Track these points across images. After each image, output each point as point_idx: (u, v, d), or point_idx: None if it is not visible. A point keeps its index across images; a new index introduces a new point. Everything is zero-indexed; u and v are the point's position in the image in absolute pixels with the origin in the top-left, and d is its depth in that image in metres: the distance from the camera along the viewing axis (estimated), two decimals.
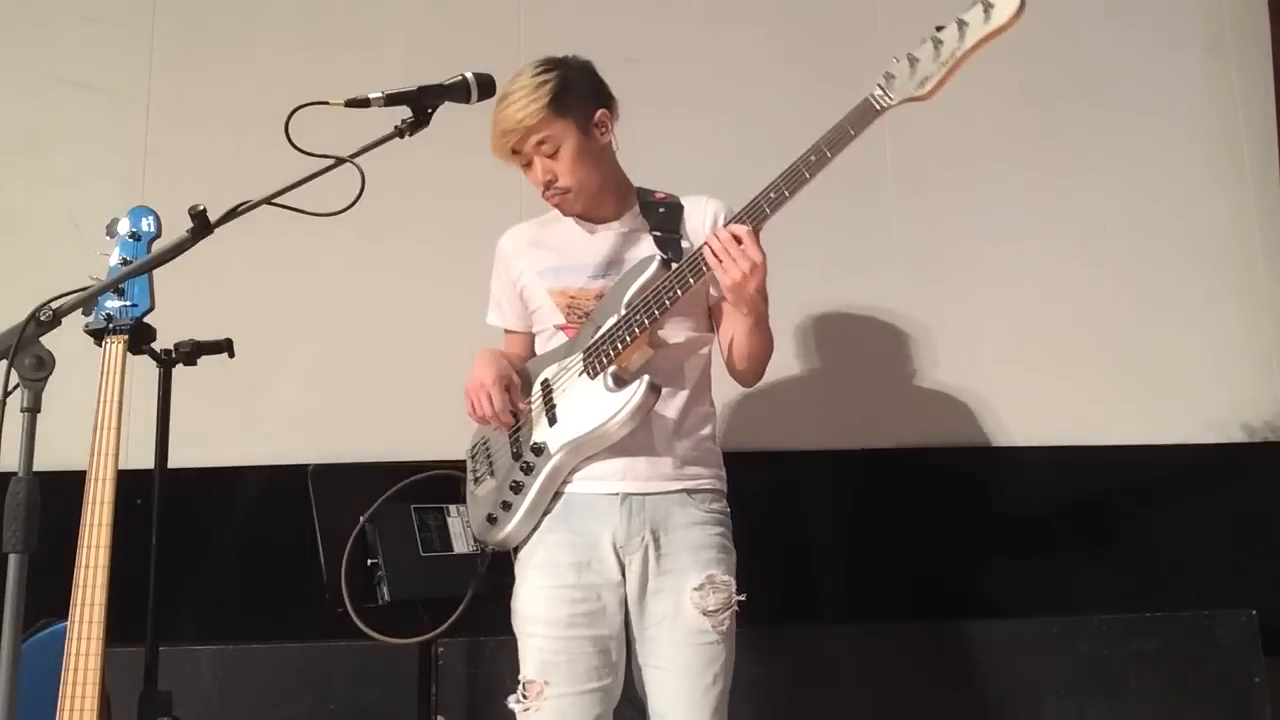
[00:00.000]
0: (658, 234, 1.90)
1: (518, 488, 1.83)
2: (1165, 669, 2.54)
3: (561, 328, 1.92)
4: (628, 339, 1.78)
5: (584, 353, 1.83)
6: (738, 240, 1.70)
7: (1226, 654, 2.56)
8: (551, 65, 1.86)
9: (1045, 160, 2.93)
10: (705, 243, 1.74)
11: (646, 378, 1.75)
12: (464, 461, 2.00)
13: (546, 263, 1.95)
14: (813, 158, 1.70)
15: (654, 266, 1.82)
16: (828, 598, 2.64)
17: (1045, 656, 2.54)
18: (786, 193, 1.71)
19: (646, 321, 1.77)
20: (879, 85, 1.71)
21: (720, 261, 1.70)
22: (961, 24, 1.67)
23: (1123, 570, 2.73)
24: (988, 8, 1.65)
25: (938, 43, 1.69)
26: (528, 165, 1.89)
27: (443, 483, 2.14)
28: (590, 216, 1.95)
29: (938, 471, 2.74)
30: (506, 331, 2.06)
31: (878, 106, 1.70)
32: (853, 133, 1.70)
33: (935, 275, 2.87)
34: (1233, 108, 3.04)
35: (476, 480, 1.95)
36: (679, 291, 1.76)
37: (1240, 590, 2.67)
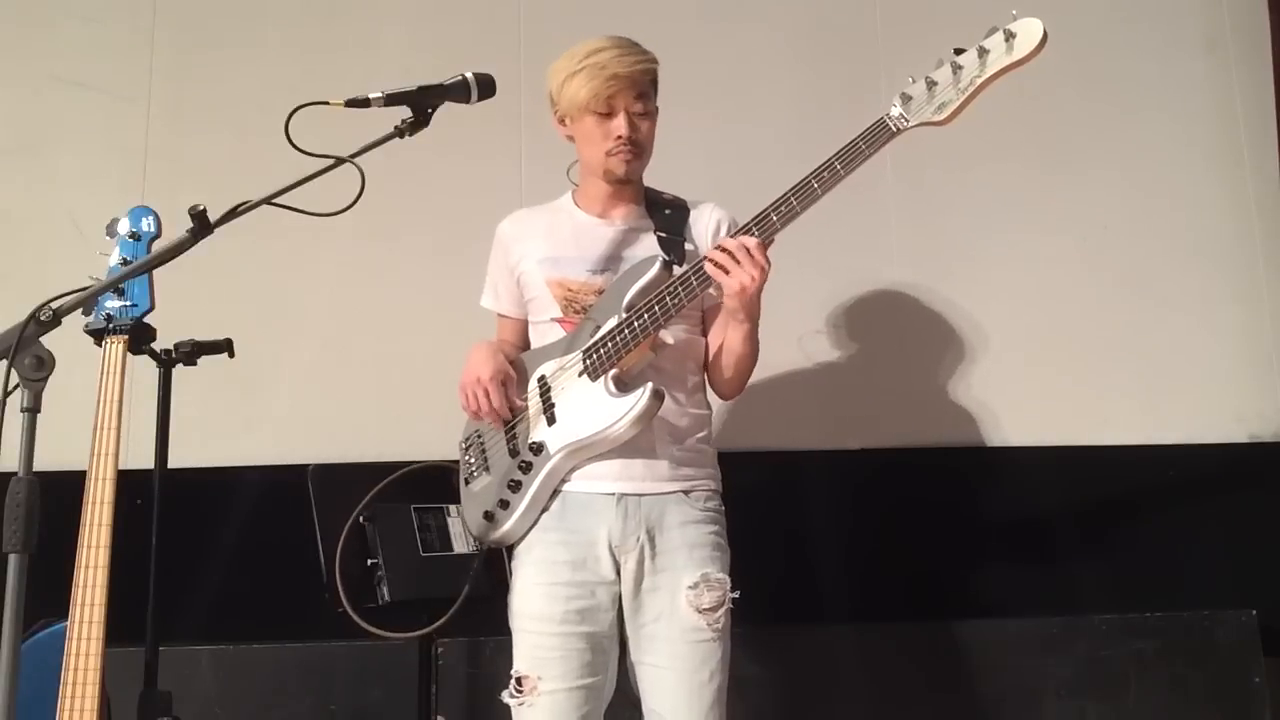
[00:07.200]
0: (662, 234, 1.90)
1: (516, 486, 1.83)
2: (1165, 669, 2.54)
3: (559, 321, 1.91)
4: (630, 343, 1.77)
5: (584, 352, 1.82)
6: (745, 250, 1.69)
7: (1226, 654, 2.55)
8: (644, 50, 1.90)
9: (1045, 160, 2.93)
10: (707, 255, 1.72)
11: (650, 385, 1.75)
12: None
13: (546, 251, 1.93)
14: (825, 174, 1.69)
15: (656, 268, 1.81)
16: (827, 598, 2.63)
17: (1045, 656, 2.53)
18: (797, 206, 1.70)
19: (650, 326, 1.76)
20: (895, 106, 1.69)
21: (727, 271, 1.69)
22: (982, 51, 1.65)
23: (1122, 570, 2.72)
24: (1009, 37, 1.63)
25: (957, 68, 1.66)
26: (607, 115, 1.85)
27: (439, 477, 2.14)
28: (600, 208, 1.95)
29: (937, 471, 2.74)
30: (500, 316, 2.04)
31: (893, 128, 1.69)
32: (866, 151, 1.68)
33: (935, 275, 2.86)
34: (1233, 108, 3.03)
35: (472, 475, 1.93)
36: (684, 298, 1.75)
37: (1240, 590, 2.67)
